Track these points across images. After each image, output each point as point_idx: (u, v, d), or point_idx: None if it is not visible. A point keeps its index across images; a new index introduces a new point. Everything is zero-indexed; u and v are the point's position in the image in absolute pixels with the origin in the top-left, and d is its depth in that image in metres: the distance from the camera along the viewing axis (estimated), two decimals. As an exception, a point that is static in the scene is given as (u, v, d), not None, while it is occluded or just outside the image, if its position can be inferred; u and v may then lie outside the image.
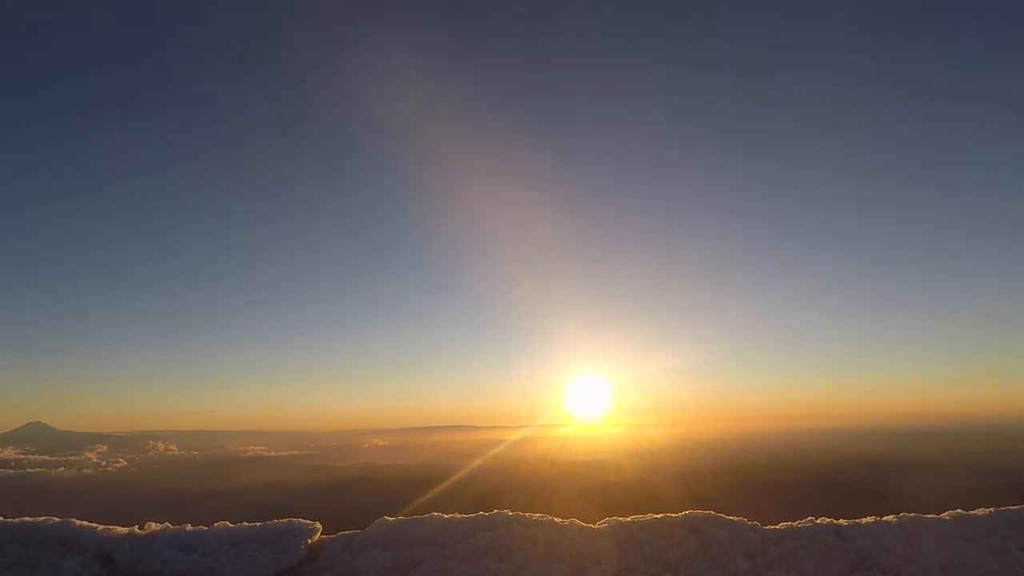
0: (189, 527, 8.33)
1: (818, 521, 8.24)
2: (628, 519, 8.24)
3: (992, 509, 8.29)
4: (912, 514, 8.24)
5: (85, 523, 8.28)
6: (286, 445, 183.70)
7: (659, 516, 8.24)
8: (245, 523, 8.42)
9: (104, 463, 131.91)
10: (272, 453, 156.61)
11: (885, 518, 8.19)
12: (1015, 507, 8.28)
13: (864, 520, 8.21)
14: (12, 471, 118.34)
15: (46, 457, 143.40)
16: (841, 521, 8.22)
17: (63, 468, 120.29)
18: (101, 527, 8.24)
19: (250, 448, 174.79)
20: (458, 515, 8.37)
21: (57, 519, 8.26)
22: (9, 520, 8.24)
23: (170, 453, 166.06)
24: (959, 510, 8.35)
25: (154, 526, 8.33)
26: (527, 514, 8.33)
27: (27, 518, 8.30)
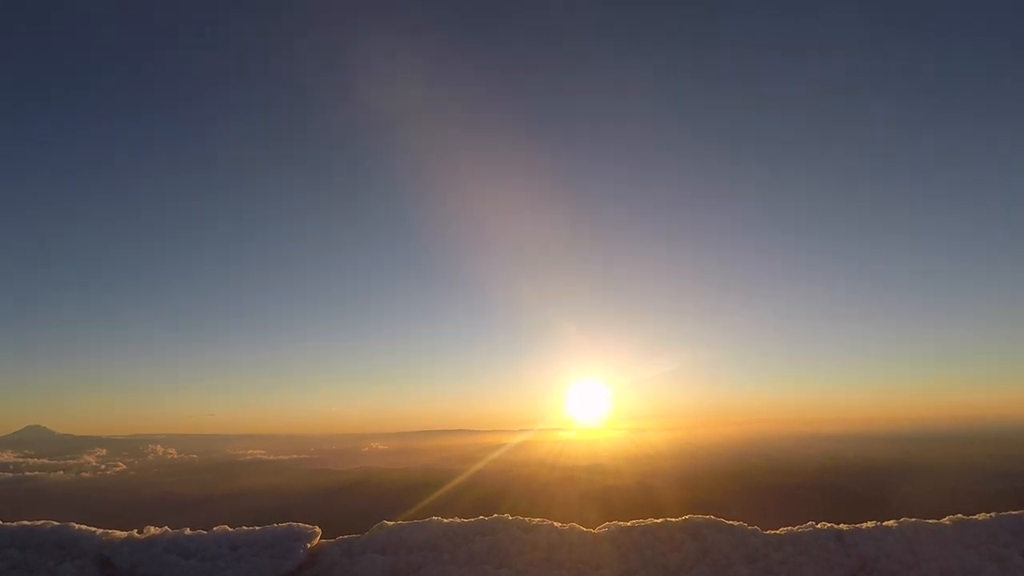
0: (188, 531, 8.31)
1: (819, 526, 8.22)
2: (628, 524, 8.23)
3: (993, 514, 8.27)
4: (913, 519, 8.22)
5: (84, 527, 8.26)
6: (285, 449, 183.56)
7: (659, 521, 8.23)
8: (244, 527, 8.40)
9: (103, 466, 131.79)
10: (271, 457, 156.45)
11: (886, 523, 8.17)
12: (1016, 512, 8.26)
13: (865, 525, 8.19)
14: (11, 474, 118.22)
15: (45, 460, 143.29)
16: (842, 526, 8.21)
17: (62, 471, 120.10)
18: (100, 531, 8.22)
19: (249, 452, 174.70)
20: (458, 519, 8.35)
21: (56, 523, 8.25)
22: (7, 524, 8.23)
23: (169, 457, 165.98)
24: (960, 515, 8.33)
25: (153, 530, 8.31)
26: (527, 518, 8.32)
27: (25, 522, 8.28)
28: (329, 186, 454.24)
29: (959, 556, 7.46)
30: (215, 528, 8.39)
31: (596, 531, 8.17)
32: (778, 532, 8.12)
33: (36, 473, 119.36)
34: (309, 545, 8.04)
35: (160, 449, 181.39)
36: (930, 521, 8.17)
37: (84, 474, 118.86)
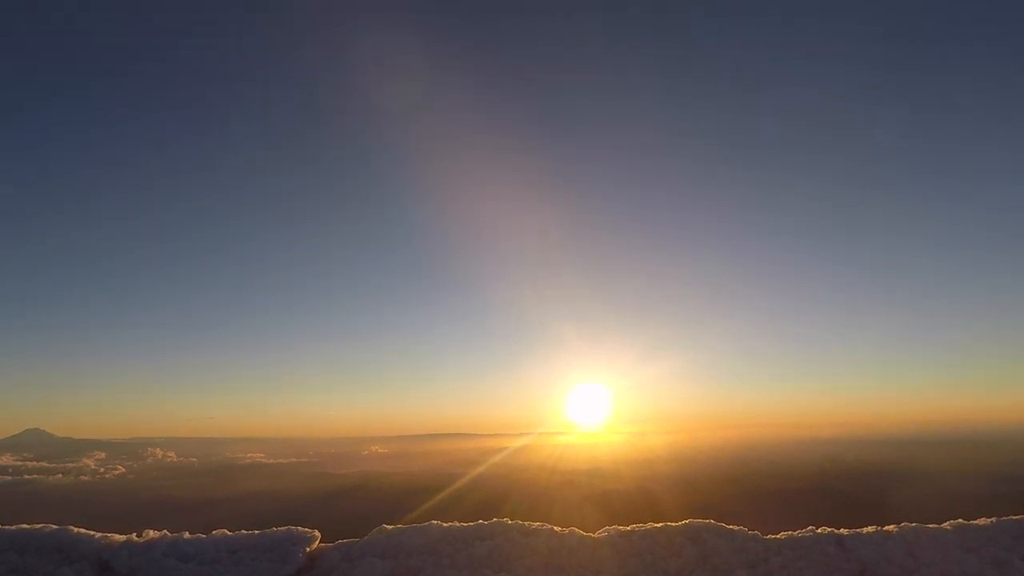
0: (187, 535, 8.30)
1: (819, 530, 8.20)
2: (628, 528, 8.21)
3: (994, 519, 8.25)
4: (913, 524, 8.20)
5: (83, 530, 8.24)
6: (285, 452, 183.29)
7: (659, 525, 8.21)
8: (243, 531, 8.38)
9: (102, 470, 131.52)
10: (271, 460, 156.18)
11: (886, 528, 8.15)
12: (1017, 517, 8.24)
13: (865, 529, 8.17)
14: (10, 477, 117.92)
15: (44, 464, 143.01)
16: (842, 531, 8.19)
17: (61, 475, 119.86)
18: (99, 535, 8.21)
19: (249, 455, 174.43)
20: (457, 524, 8.33)
21: (55, 526, 8.23)
22: (6, 527, 8.21)
23: (168, 460, 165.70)
24: (960, 520, 8.31)
25: (152, 534, 8.29)
26: (526, 523, 8.30)
27: (25, 525, 8.26)
28: (329, 189, 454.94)
29: (960, 560, 7.44)
30: (214, 532, 8.38)
31: (596, 535, 8.15)
32: (778, 536, 8.10)
33: (35, 476, 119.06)
34: (308, 549, 8.02)
35: (159, 452, 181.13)
36: (930, 526, 8.16)
37: (83, 477, 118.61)
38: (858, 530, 8.21)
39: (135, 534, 8.37)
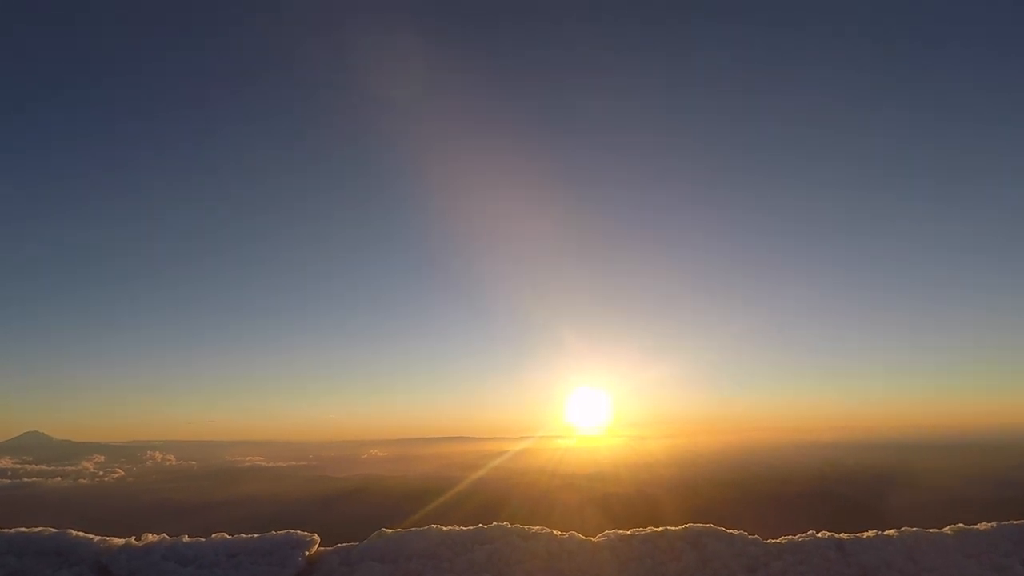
0: (186, 538, 8.28)
1: (819, 535, 8.19)
2: (628, 532, 8.20)
3: (995, 524, 8.24)
4: (914, 528, 8.19)
5: (81, 534, 8.23)
6: (284, 455, 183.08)
7: (659, 529, 8.20)
8: (242, 534, 8.37)
9: (101, 473, 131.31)
10: (270, 464, 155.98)
11: (887, 532, 8.14)
12: (1018, 522, 8.23)
13: (866, 534, 8.16)
14: (9, 480, 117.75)
15: (43, 467, 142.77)
16: (842, 535, 8.18)
17: (60, 478, 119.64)
18: (97, 538, 8.20)
19: (248, 458, 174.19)
20: (457, 527, 8.32)
21: (53, 529, 8.22)
22: (5, 530, 8.20)
23: (168, 463, 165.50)
24: (961, 524, 8.30)
25: (151, 537, 8.28)
26: (526, 527, 8.29)
27: (23, 528, 8.25)
28: (328, 192, 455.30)
29: (960, 566, 7.43)
30: (213, 535, 8.37)
31: (596, 539, 8.14)
32: (778, 541, 8.09)
33: (34, 479, 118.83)
34: (307, 553, 8.01)
35: (158, 455, 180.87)
36: (931, 530, 8.15)
37: (82, 480, 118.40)
38: (859, 534, 8.20)
39: (134, 537, 8.35)
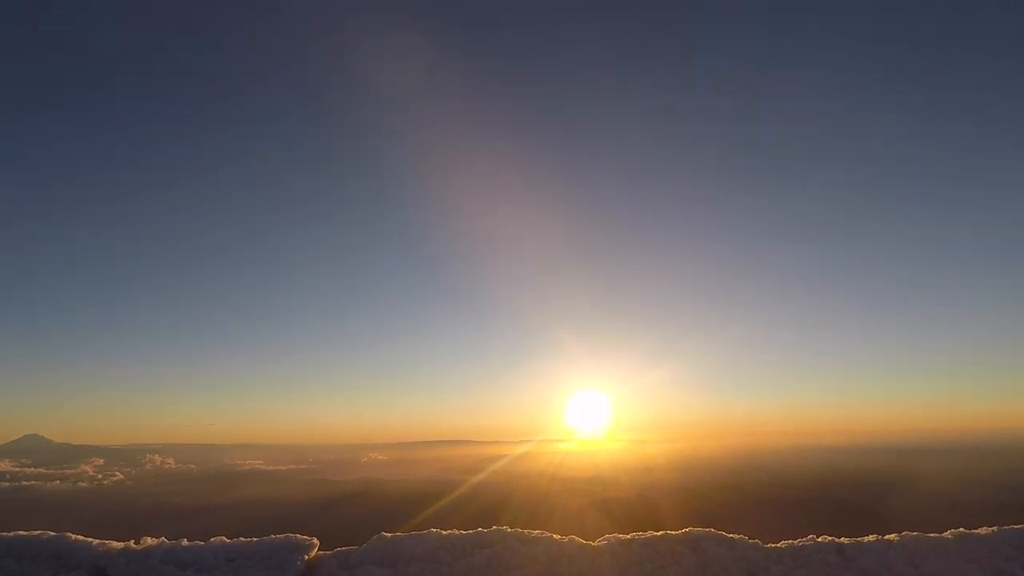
0: (185, 542, 8.26)
1: (819, 539, 8.17)
2: (628, 536, 8.18)
3: (996, 528, 8.22)
4: (915, 533, 8.17)
5: (80, 537, 8.21)
6: (284, 459, 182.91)
7: (659, 533, 8.18)
8: (242, 538, 8.35)
9: (100, 476, 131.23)
10: (270, 467, 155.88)
11: (887, 536, 8.12)
12: (1019, 526, 8.22)
13: (866, 538, 8.14)
14: (8, 484, 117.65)
15: (42, 470, 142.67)
16: (843, 539, 8.15)
17: (59, 481, 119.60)
18: (96, 541, 8.18)
19: (247, 462, 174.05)
20: (456, 531, 8.30)
21: (52, 533, 8.20)
22: (4, 534, 8.19)
23: (167, 466, 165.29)
24: (962, 529, 8.28)
25: (150, 541, 8.26)
26: (526, 531, 8.26)
27: (22, 532, 8.23)
28: (329, 194, 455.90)
29: (961, 570, 7.42)
30: (212, 539, 8.34)
31: (596, 543, 8.13)
32: (778, 545, 8.07)
33: (33, 482, 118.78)
34: (307, 557, 7.99)
35: (158, 459, 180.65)
36: (932, 535, 8.13)
37: (81, 484, 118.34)
38: (859, 539, 8.17)
39: (133, 541, 8.33)
